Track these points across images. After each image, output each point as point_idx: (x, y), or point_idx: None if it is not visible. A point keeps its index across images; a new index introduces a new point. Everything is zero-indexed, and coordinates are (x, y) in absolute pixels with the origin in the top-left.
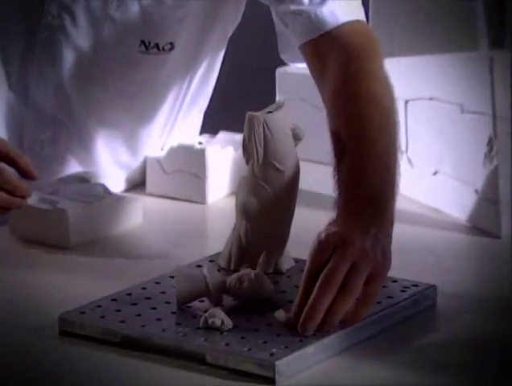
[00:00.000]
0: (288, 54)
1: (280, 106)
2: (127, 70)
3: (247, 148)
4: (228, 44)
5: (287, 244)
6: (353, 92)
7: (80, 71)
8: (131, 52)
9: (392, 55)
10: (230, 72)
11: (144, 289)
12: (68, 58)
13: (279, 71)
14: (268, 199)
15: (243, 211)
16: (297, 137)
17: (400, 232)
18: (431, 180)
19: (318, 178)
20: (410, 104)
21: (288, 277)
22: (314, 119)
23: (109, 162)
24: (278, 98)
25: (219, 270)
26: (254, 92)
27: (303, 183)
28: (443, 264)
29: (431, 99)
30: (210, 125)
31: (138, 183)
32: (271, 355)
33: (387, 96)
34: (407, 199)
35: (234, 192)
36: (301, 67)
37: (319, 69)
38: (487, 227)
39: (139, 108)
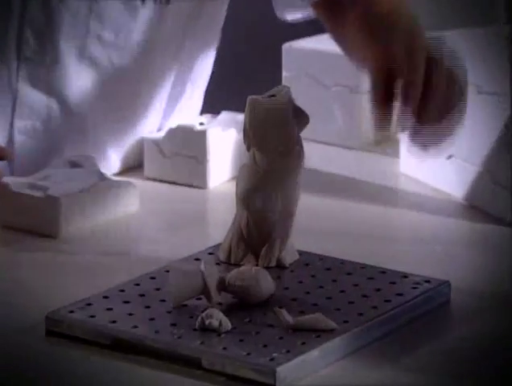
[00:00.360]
0: (285, 9)
1: (284, 89)
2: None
3: (248, 134)
4: (232, 18)
5: (291, 236)
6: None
7: (75, 32)
8: (127, 6)
9: None
10: (234, 48)
11: (138, 285)
12: (63, 20)
13: (285, 46)
14: (271, 188)
15: (244, 201)
16: (302, 123)
17: (410, 219)
18: (444, 164)
19: (324, 159)
20: None
21: (292, 271)
22: (321, 97)
23: (105, 142)
24: (284, 75)
25: (218, 264)
26: (259, 69)
27: (308, 165)
28: (455, 256)
29: None
30: (212, 105)
31: (135, 166)
32: (272, 360)
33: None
34: (419, 183)
35: (236, 176)
36: (308, 42)
37: (339, 23)
38: (502, 216)
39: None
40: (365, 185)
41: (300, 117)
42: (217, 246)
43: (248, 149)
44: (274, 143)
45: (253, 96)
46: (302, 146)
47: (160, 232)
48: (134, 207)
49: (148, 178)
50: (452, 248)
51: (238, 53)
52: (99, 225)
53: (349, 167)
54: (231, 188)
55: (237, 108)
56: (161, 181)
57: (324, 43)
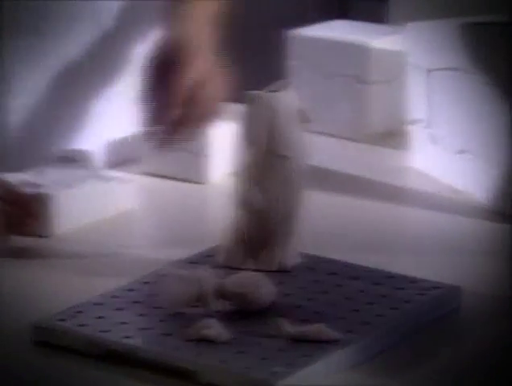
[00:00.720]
0: None
1: (286, 85)
2: None
3: (248, 132)
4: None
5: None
6: None
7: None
8: None
9: (414, 19)
10: (235, 37)
11: (131, 290)
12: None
13: (290, 34)
14: (272, 189)
15: (244, 202)
16: (305, 120)
17: (417, 217)
18: (455, 159)
19: (328, 152)
20: (433, 74)
21: (294, 276)
22: (326, 87)
23: (100, 135)
24: (288, 64)
25: (217, 267)
26: (262, 58)
27: (311, 158)
28: (466, 258)
29: (455, 69)
30: None
31: (131, 160)
32: (272, 374)
33: None
34: (428, 178)
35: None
36: (313, 30)
37: None
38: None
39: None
40: (370, 180)
41: (302, 116)
42: (216, 248)
43: (248, 147)
44: (276, 142)
45: (253, 92)
46: (305, 146)
47: (157, 231)
48: (129, 203)
49: (144, 173)
50: (459, 248)
51: (240, 42)
52: (93, 223)
53: (355, 161)
54: (231, 183)
55: (238, 99)
56: (158, 176)
57: (330, 30)
